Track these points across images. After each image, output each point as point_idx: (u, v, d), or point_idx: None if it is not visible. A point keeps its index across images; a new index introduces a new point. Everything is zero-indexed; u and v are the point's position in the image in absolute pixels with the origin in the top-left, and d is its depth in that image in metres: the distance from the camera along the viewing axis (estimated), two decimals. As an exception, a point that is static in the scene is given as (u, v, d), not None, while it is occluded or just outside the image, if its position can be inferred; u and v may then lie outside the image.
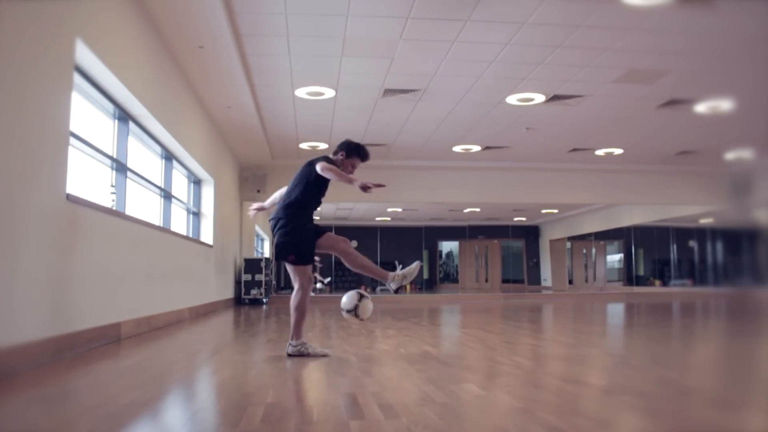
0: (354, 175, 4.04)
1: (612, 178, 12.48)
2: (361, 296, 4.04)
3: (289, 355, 3.90)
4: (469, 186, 12.42)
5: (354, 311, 4.01)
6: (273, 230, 4.04)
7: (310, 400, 2.69)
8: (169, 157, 7.21)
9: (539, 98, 7.91)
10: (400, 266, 4.01)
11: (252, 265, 11.38)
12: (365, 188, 3.71)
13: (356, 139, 4.35)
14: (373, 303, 4.15)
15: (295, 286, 4.02)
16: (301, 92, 7.61)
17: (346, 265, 4.06)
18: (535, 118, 8.87)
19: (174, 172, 7.53)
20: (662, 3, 5.27)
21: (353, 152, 4.16)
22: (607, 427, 2.25)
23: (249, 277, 11.28)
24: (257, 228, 15.29)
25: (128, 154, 5.64)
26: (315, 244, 3.98)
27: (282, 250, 3.94)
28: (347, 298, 4.05)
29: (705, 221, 15.17)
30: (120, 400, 2.65)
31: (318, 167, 3.85)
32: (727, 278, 14.35)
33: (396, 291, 4.01)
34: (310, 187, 3.99)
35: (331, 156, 4.17)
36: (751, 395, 2.94)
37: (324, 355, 3.92)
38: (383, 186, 3.79)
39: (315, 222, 4.12)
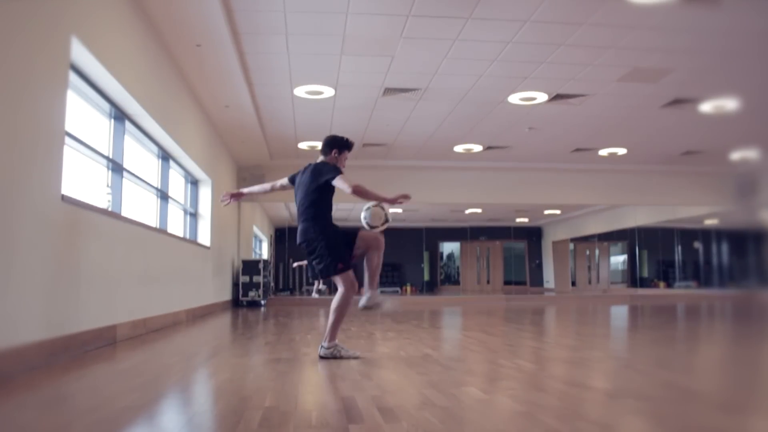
0: (357, 180, 4.08)
1: (615, 178, 12.42)
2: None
3: (321, 358, 3.89)
4: (471, 186, 12.37)
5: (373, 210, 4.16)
6: (309, 250, 4.01)
7: (309, 403, 2.65)
8: (165, 156, 7.18)
9: (542, 97, 7.86)
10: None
11: (250, 266, 11.34)
12: (395, 201, 3.94)
13: (351, 138, 4.37)
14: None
15: (340, 289, 3.99)
16: (300, 91, 7.56)
17: (367, 258, 4.03)
18: (538, 118, 8.82)
19: (171, 172, 7.50)
20: (667, 0, 5.21)
21: (344, 147, 4.21)
22: (611, 432, 2.21)
23: (247, 278, 11.24)
24: (255, 229, 15.26)
25: (124, 153, 5.61)
26: (351, 246, 3.98)
27: (329, 265, 3.92)
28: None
29: (710, 222, 15.13)
30: (116, 404, 2.63)
31: (346, 188, 3.85)
32: (733, 280, 14.36)
33: (362, 308, 4.01)
34: (328, 197, 4.01)
35: (324, 159, 4.17)
36: (758, 399, 2.91)
37: (356, 357, 3.94)
38: (408, 197, 3.98)
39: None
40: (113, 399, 2.75)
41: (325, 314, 4.51)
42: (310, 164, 4.17)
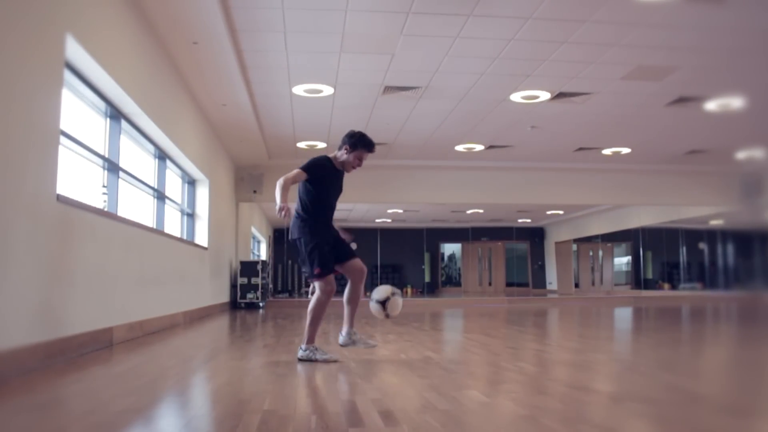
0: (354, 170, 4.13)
1: (619, 178, 12.39)
2: (393, 292, 4.05)
3: (300, 360, 3.86)
4: (472, 186, 12.34)
5: (383, 303, 4.00)
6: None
7: (308, 407, 2.63)
8: (162, 156, 7.14)
9: (544, 96, 7.81)
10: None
11: (248, 268, 11.29)
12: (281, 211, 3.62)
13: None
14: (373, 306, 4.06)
15: (317, 291, 3.94)
16: (299, 89, 7.52)
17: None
18: (540, 117, 8.78)
19: (167, 171, 7.46)
20: (670, -4, 5.16)
21: (357, 144, 4.06)
22: (615, 436, 2.20)
23: (245, 280, 11.20)
24: (253, 230, 15.23)
25: (120, 153, 5.57)
26: (332, 252, 3.90)
27: (307, 266, 3.89)
28: (379, 290, 4.06)
29: (715, 222, 15.04)
30: (112, 407, 2.63)
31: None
32: (738, 281, 14.27)
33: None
34: (309, 194, 3.93)
35: (336, 153, 4.11)
36: (763, 402, 2.90)
37: (334, 361, 3.85)
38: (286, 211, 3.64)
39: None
40: (110, 402, 2.74)
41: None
42: (332, 162, 4.07)
